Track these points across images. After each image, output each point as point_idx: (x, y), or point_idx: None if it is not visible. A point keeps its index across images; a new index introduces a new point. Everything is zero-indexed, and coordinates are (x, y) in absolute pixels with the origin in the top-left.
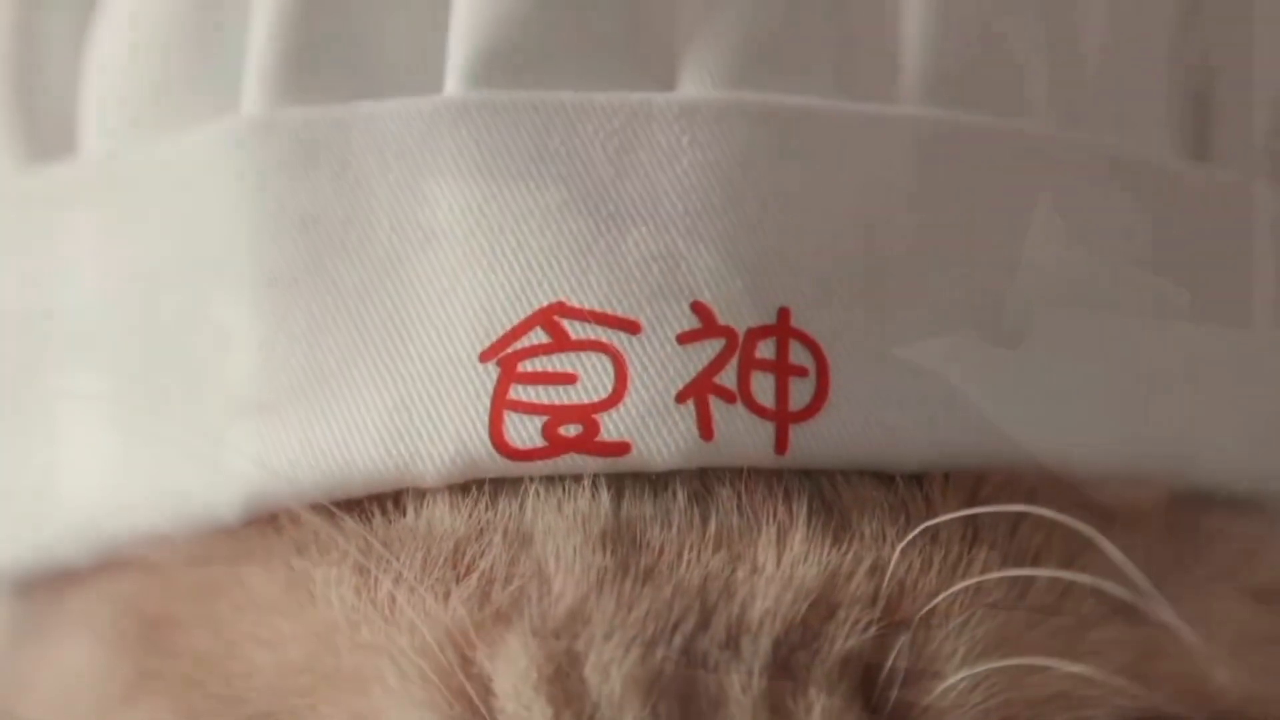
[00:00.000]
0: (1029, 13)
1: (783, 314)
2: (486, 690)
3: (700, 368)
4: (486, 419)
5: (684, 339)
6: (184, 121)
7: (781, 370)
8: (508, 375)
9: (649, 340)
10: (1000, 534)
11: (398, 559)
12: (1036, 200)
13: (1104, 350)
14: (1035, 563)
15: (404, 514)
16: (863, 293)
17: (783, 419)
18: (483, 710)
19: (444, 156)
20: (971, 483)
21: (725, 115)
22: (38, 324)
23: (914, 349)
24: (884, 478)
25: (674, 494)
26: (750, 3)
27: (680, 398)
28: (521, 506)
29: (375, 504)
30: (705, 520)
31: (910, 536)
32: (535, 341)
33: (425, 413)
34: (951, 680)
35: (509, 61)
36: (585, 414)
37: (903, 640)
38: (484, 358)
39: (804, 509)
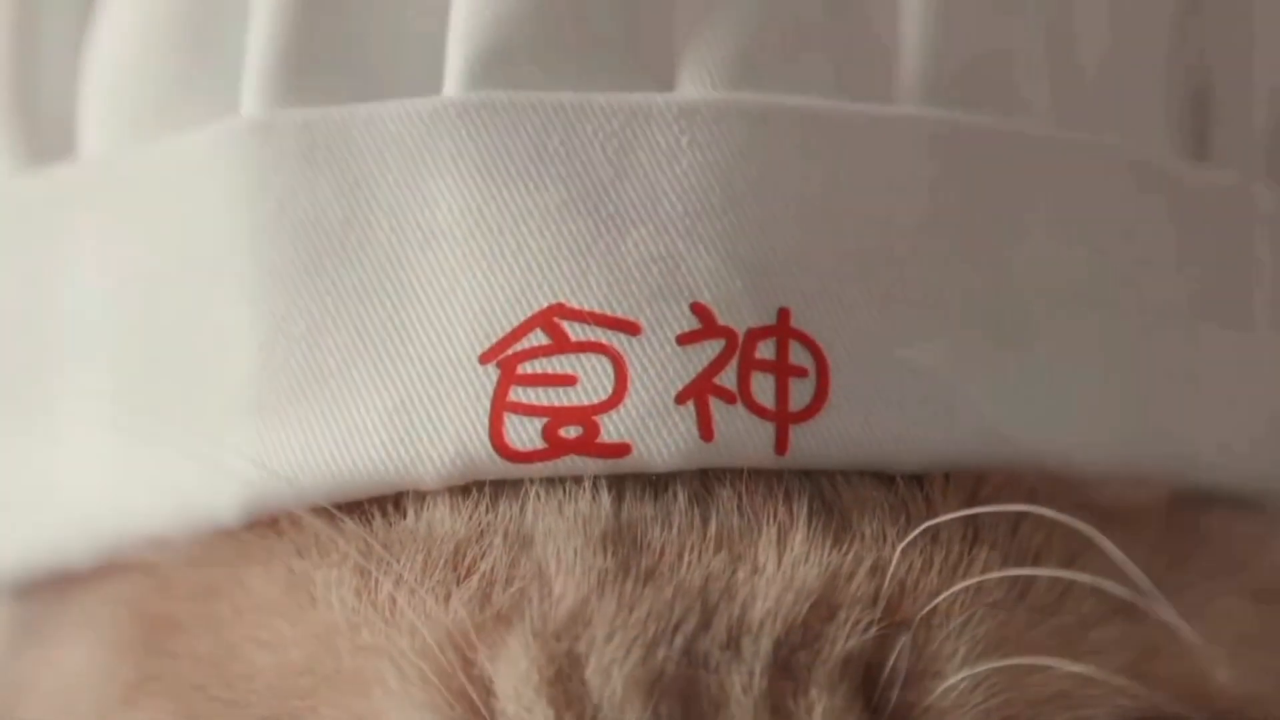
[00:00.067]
0: (1028, 13)
1: (782, 314)
2: (487, 692)
3: (700, 368)
4: (487, 421)
5: (684, 340)
6: (183, 123)
7: (781, 371)
8: (508, 377)
9: (649, 341)
10: (1001, 534)
11: (398, 561)
12: (1036, 200)
13: (1104, 350)
14: (1036, 562)
15: (404, 516)
16: (863, 293)
17: (783, 419)
18: (484, 712)
19: (443, 157)
20: (972, 483)
21: (724, 116)
22: (38, 325)
23: (914, 349)
24: (884, 478)
25: (674, 495)
26: (749, 3)
27: (680, 399)
28: (522, 508)
29: (375, 506)
30: (706, 521)
31: (911, 536)
32: (535, 343)
33: (425, 414)
34: (952, 680)
35: (508, 62)
36: (585, 415)
37: (903, 640)
38: (484, 359)
39: (804, 509)
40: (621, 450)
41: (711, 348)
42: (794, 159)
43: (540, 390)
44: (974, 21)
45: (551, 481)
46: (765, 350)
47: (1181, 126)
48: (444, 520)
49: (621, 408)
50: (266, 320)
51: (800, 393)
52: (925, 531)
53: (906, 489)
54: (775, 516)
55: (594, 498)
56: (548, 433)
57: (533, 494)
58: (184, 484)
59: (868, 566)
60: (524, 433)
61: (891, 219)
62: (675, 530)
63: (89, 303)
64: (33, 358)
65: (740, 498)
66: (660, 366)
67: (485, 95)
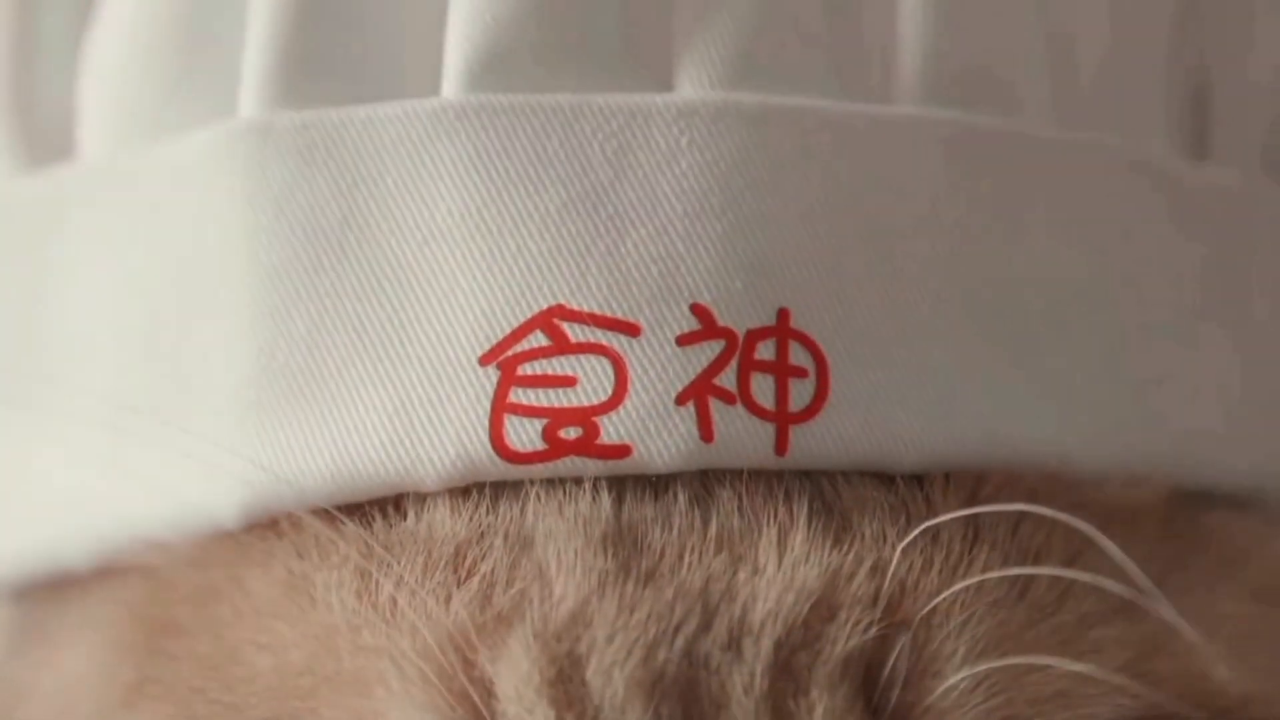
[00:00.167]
0: (1027, 13)
1: (782, 315)
2: (488, 693)
3: (700, 369)
4: (487, 422)
5: (683, 341)
6: (182, 124)
7: (781, 371)
8: (508, 378)
9: (648, 342)
10: (1001, 533)
11: (399, 562)
12: (1036, 200)
13: (1104, 350)
14: (1036, 562)
15: (404, 517)
16: (862, 293)
17: (783, 420)
18: (484, 713)
19: (442, 159)
20: (972, 482)
21: (723, 116)
22: (37, 326)
23: (914, 349)
24: (884, 478)
25: (675, 496)
26: (748, 4)
27: (680, 400)
28: (522, 509)
29: (376, 507)
30: (706, 522)
31: (911, 536)
32: (535, 344)
33: (425, 416)
34: (953, 680)
35: (506, 64)
36: (585, 417)
37: (904, 640)
38: (484, 361)
39: (804, 510)
40: (622, 451)
41: (711, 348)
42: (793, 159)
43: (540, 391)
44: (973, 21)
45: (552, 483)
46: (765, 351)
47: (1181, 126)
48: (444, 521)
49: (621, 409)
50: (265, 321)
51: (800, 393)
52: (925, 531)
53: (907, 489)
54: (775, 517)
55: (594, 499)
56: (548, 434)
57: (533, 495)
58: (183, 485)
59: (868, 567)
60: (524, 434)
61: (891, 219)
62: (676, 531)
63: (88, 304)
64: (32, 358)
65: (740, 498)
66: (660, 367)
67: (484, 97)
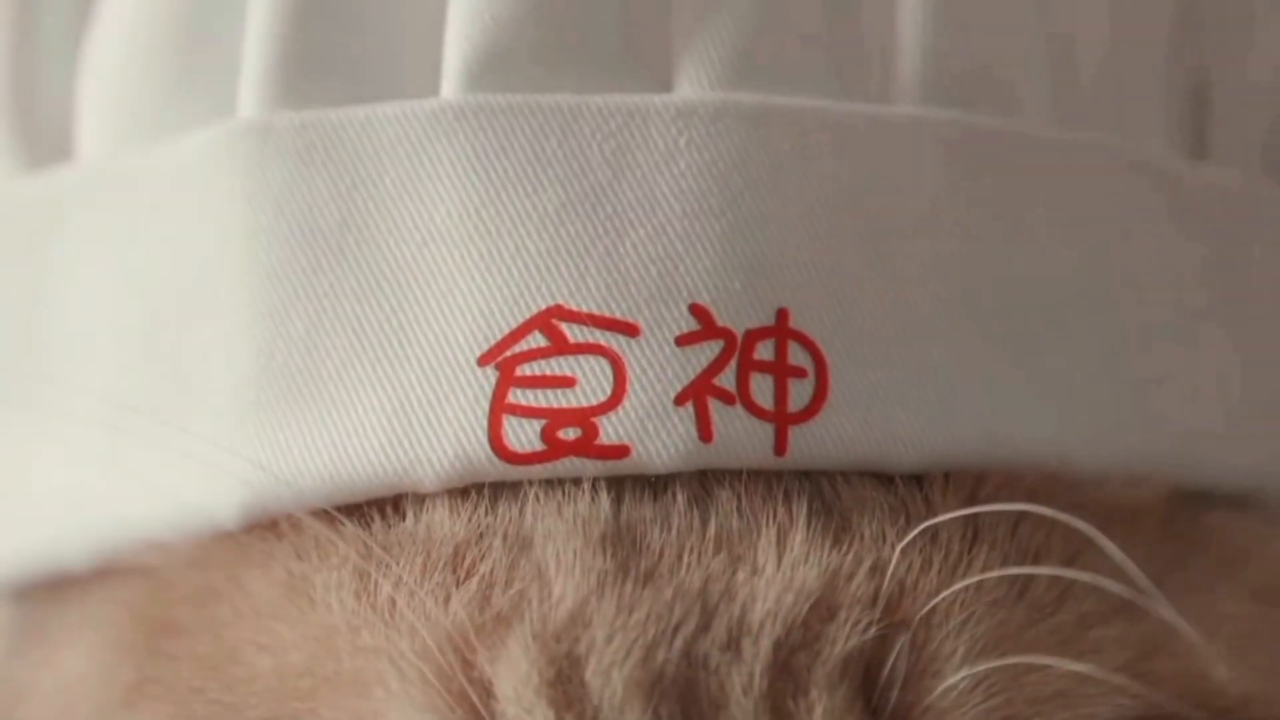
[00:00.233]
0: (1027, 13)
1: (781, 315)
2: (487, 693)
3: (699, 370)
4: (485, 423)
5: (682, 341)
6: (181, 124)
7: (780, 371)
8: (506, 379)
9: (647, 342)
10: (1000, 533)
11: (398, 563)
12: (1036, 201)
13: (1103, 349)
14: (1036, 562)
15: (403, 518)
16: (861, 293)
17: (782, 420)
18: (484, 713)
19: (441, 160)
20: (971, 482)
21: (722, 116)
22: (36, 326)
23: (913, 349)
24: (883, 478)
25: (674, 496)
26: (747, 4)
27: (679, 400)
28: (521, 510)
29: (375, 508)
30: (705, 522)
31: (910, 536)
32: (534, 345)
33: (424, 417)
34: (952, 680)
35: (505, 64)
36: (584, 417)
37: (903, 640)
38: (482, 361)
39: (804, 510)
40: (621, 452)
41: (710, 349)
42: (792, 159)
43: (539, 392)
44: (972, 22)
45: (550, 483)
46: (764, 351)
47: (1181, 126)
48: (443, 522)
49: (620, 409)
50: (264, 321)
51: (799, 393)
52: (925, 531)
53: (906, 489)
54: (775, 517)
55: (593, 499)
56: (547, 434)
57: (532, 496)
58: (183, 486)
59: (867, 567)
60: (523, 435)
61: (891, 219)
62: (675, 532)
63: (87, 304)
64: (32, 358)
65: (739, 499)
66: (659, 368)
67: (483, 97)
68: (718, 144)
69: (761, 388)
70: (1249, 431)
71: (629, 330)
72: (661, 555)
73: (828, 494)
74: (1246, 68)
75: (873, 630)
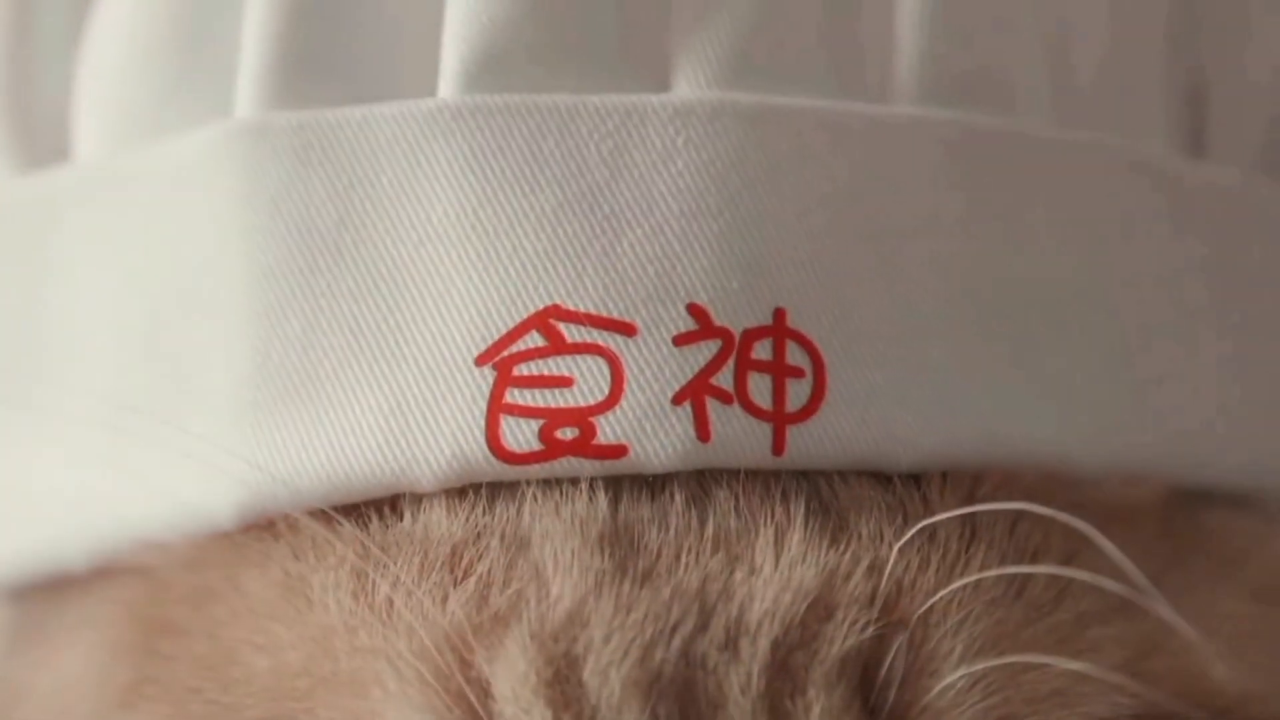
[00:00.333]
0: (1025, 13)
1: (779, 314)
2: (485, 693)
3: (697, 369)
4: (483, 423)
5: (680, 341)
6: (178, 125)
7: (778, 371)
8: (504, 379)
9: (645, 342)
10: (998, 532)
11: (395, 563)
12: (1036, 200)
13: (1102, 349)
14: (1033, 561)
15: (401, 518)
16: (859, 292)
17: (780, 420)
18: (481, 713)
19: (438, 159)
20: (969, 481)
21: (720, 115)
22: (34, 327)
23: (911, 348)
24: (881, 477)
25: (671, 496)
26: (744, 3)
27: (677, 400)
28: (519, 510)
29: (372, 508)
30: (703, 522)
31: (908, 535)
32: (531, 345)
33: (421, 416)
34: (950, 679)
35: (502, 64)
36: (582, 417)
37: (901, 640)
38: (480, 361)
39: (801, 510)
40: (618, 451)
41: (708, 348)
42: (790, 159)
43: (536, 392)
44: (971, 22)
45: (548, 483)
46: (762, 350)
47: (1180, 125)
48: (441, 522)
49: (618, 409)
50: (261, 322)
51: (797, 393)
52: (922, 530)
53: (904, 488)
54: (772, 517)
55: (591, 499)
56: (544, 434)
57: (529, 496)
58: (180, 486)
59: (865, 566)
60: (520, 434)
61: (889, 218)
62: (672, 531)
63: (84, 304)
64: (29, 359)
65: (737, 498)
66: (657, 367)
67: (480, 97)
68: (715, 144)
69: (759, 387)
70: (1248, 431)
71: (626, 330)
72: (659, 555)
73: (825, 493)
74: (1244, 67)
75: (870, 629)
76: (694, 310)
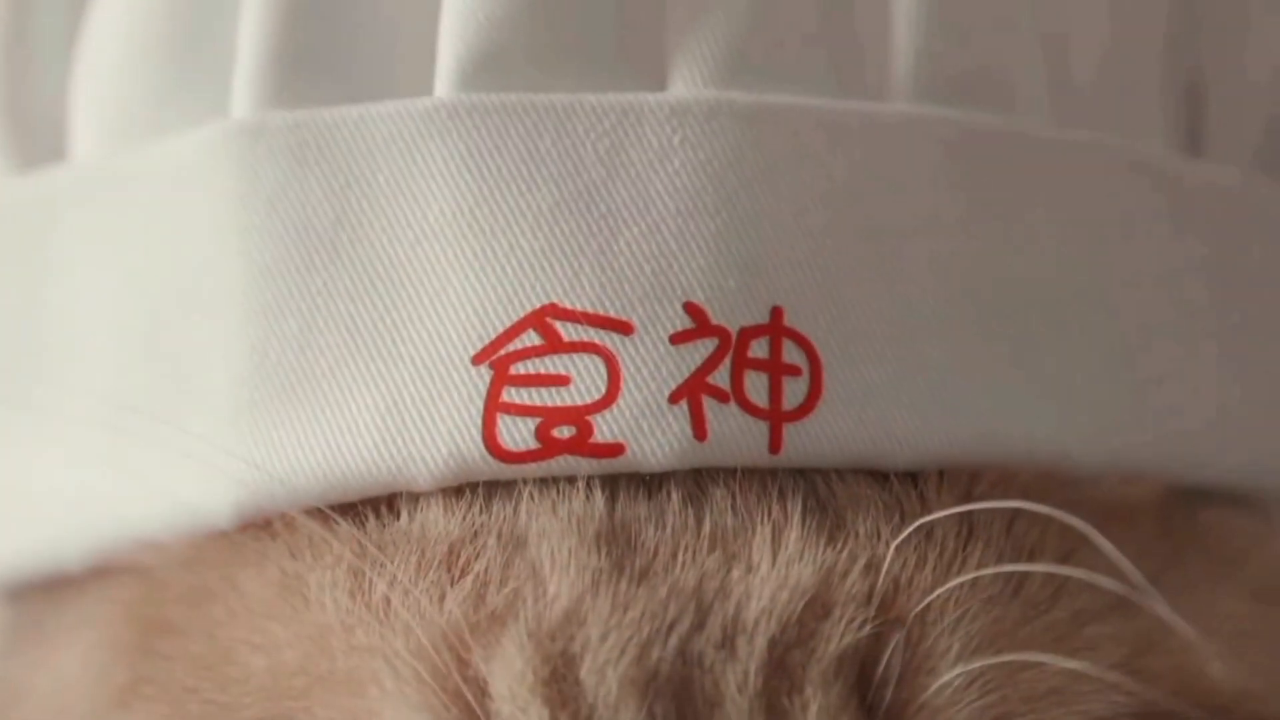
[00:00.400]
0: (1023, 13)
1: (775, 313)
2: (482, 692)
3: (693, 368)
4: (479, 421)
5: (677, 339)
6: (174, 124)
7: (775, 369)
8: (500, 377)
9: (642, 341)
10: (995, 530)
11: (392, 562)
12: (1035, 200)
13: (1101, 348)
14: (1030, 559)
15: (398, 517)
16: (856, 291)
17: (776, 418)
18: (479, 712)
19: (434, 159)
20: (966, 480)
21: (716, 114)
22: (31, 327)
23: (908, 347)
24: (878, 476)
25: (668, 494)
26: (741, 2)
27: (674, 398)
28: (515, 509)
29: (369, 507)
30: (700, 520)
31: (905, 534)
32: (528, 343)
33: (418, 415)
34: (947, 677)
35: (499, 63)
36: (578, 416)
37: (898, 638)
38: (476, 360)
39: (798, 508)
40: (615, 450)
41: (705, 347)
42: (787, 158)
43: (533, 390)
44: (969, 21)
45: (545, 482)
46: (758, 349)
47: (1179, 125)
48: (438, 521)
49: (615, 408)
50: (258, 321)
51: (794, 391)
52: (920, 529)
53: (901, 486)
54: (769, 515)
55: (588, 498)
56: (541, 433)
57: (526, 494)
58: (177, 485)
59: (862, 564)
60: (517, 433)
61: (887, 217)
62: (669, 530)
63: (82, 304)
64: (28, 359)
65: (734, 497)
66: (653, 366)
67: (476, 96)
68: (712, 143)
69: (756, 386)
70: (1248, 431)
71: (623, 328)
72: (656, 553)
73: (822, 491)
74: (1243, 67)
75: (867, 628)
76: (691, 309)
